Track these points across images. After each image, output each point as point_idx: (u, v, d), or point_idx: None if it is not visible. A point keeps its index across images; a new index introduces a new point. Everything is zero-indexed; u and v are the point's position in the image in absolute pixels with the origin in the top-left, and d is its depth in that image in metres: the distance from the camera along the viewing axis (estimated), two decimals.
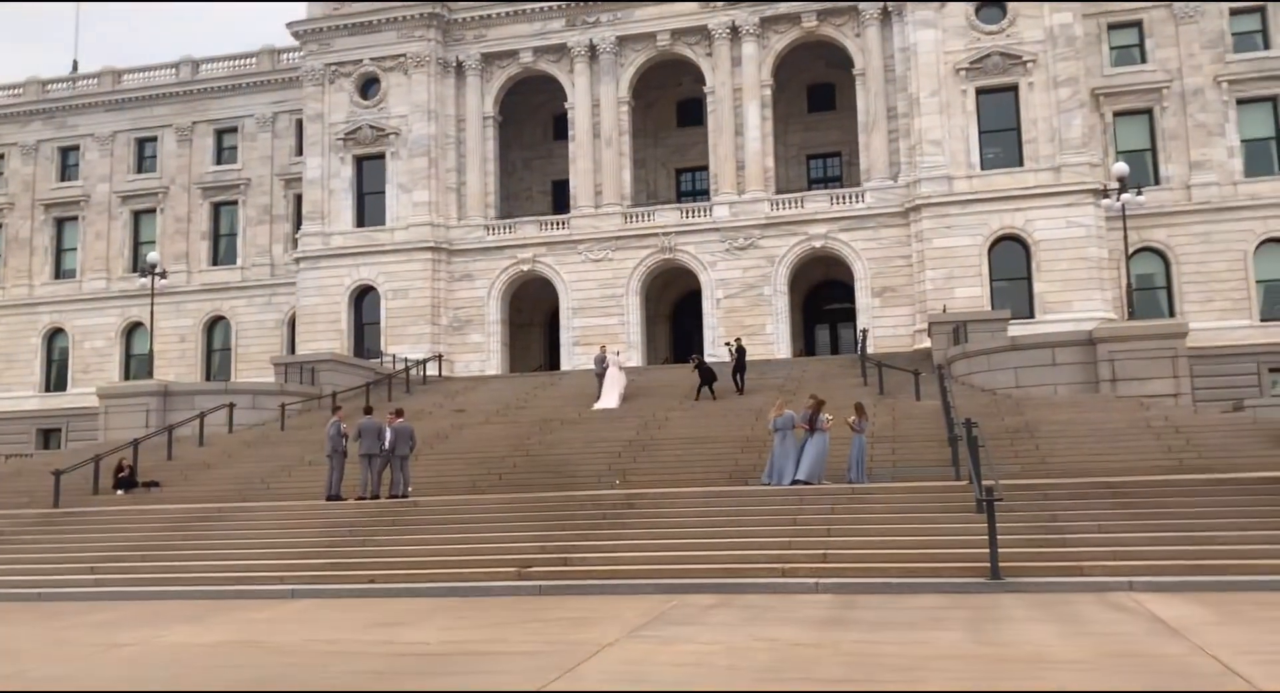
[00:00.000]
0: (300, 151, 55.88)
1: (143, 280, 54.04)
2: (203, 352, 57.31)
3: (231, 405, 35.00)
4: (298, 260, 52.01)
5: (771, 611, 12.26)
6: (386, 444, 22.44)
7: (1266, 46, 45.79)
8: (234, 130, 59.15)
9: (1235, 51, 46.00)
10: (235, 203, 58.45)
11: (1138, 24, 47.22)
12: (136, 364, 58.22)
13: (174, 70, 60.73)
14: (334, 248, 51.34)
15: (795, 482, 21.16)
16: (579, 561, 15.60)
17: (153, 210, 59.73)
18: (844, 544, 15.78)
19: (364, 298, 51.30)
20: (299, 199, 55.82)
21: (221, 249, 58.83)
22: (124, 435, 34.46)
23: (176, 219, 58.83)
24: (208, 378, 56.00)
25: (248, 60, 60.03)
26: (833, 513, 17.51)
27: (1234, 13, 46.27)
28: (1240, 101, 45.57)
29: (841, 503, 18.10)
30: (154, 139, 60.34)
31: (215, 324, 57.71)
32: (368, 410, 23.82)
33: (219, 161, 59.19)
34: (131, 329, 58.74)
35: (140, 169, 60.52)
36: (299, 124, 56.27)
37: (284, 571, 16.04)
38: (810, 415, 21.77)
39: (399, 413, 23.46)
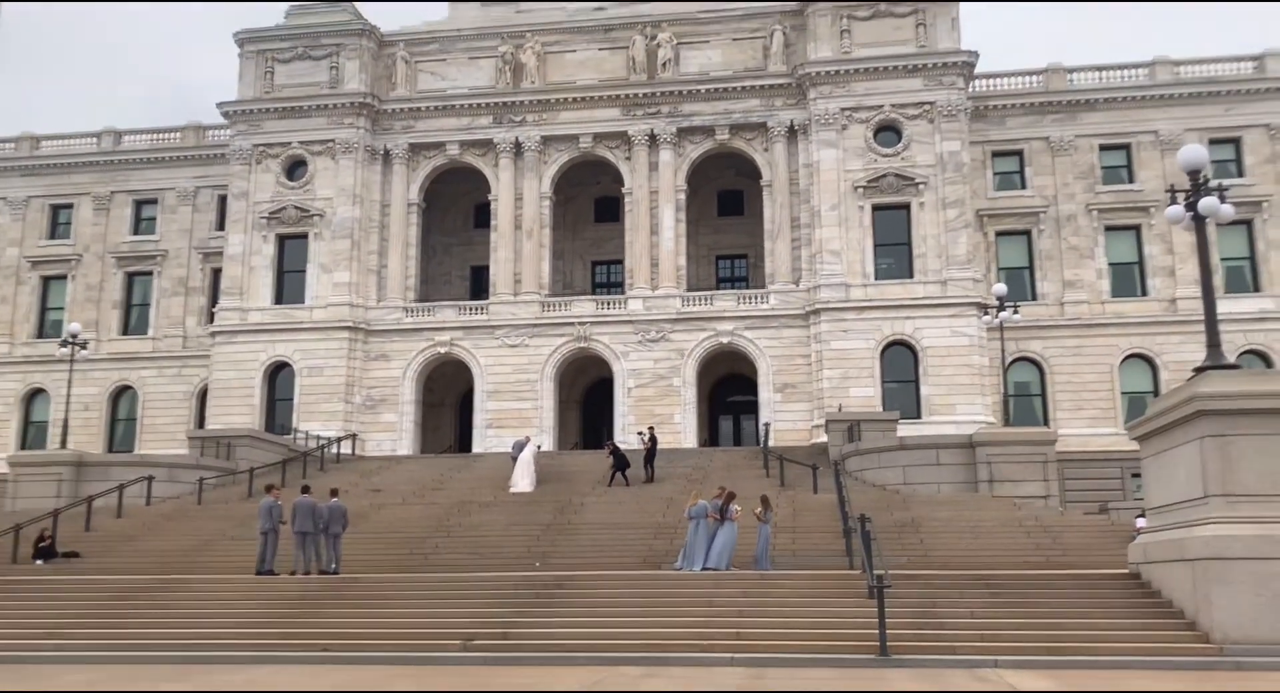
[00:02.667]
0: (221, 226, 56.73)
1: (47, 347, 53.97)
2: (107, 421, 56.85)
3: (150, 478, 35.39)
4: (213, 334, 52.51)
5: (696, 680, 14.04)
6: (321, 523, 23.63)
7: (1131, 180, 50.77)
8: (154, 202, 59.66)
9: (1104, 183, 50.93)
10: (150, 274, 58.66)
11: (1019, 153, 51.90)
12: (35, 432, 57.46)
13: (95, 140, 61.13)
14: (251, 323, 52.05)
15: (705, 568, 23.05)
16: (519, 635, 17.14)
17: (64, 277, 59.49)
18: (754, 624, 17.69)
19: (278, 374, 51.95)
20: (216, 273, 56.48)
21: (133, 319, 58.82)
22: (33, 505, 34.62)
23: (88, 287, 58.72)
24: (110, 448, 55.54)
25: (173, 134, 60.83)
26: (744, 596, 19.41)
27: (1103, 148, 51.27)
28: (1108, 228, 50.32)
29: (751, 588, 20.02)
30: (70, 206, 60.39)
31: (121, 394, 57.39)
32: (305, 490, 24.94)
33: (136, 232, 59.51)
34: (32, 396, 58.01)
35: (54, 235, 60.42)
36: (221, 199, 57.19)
37: (242, 638, 17.12)
38: (721, 506, 23.79)
39: (333, 492, 24.69)
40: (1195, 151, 18.18)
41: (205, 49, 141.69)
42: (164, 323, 57.60)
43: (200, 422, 53.79)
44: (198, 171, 59.06)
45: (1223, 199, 18.41)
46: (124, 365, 57.08)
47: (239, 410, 50.59)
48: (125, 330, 58.43)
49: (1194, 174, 18.33)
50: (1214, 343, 17.78)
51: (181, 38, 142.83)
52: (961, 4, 50.06)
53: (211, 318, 54.08)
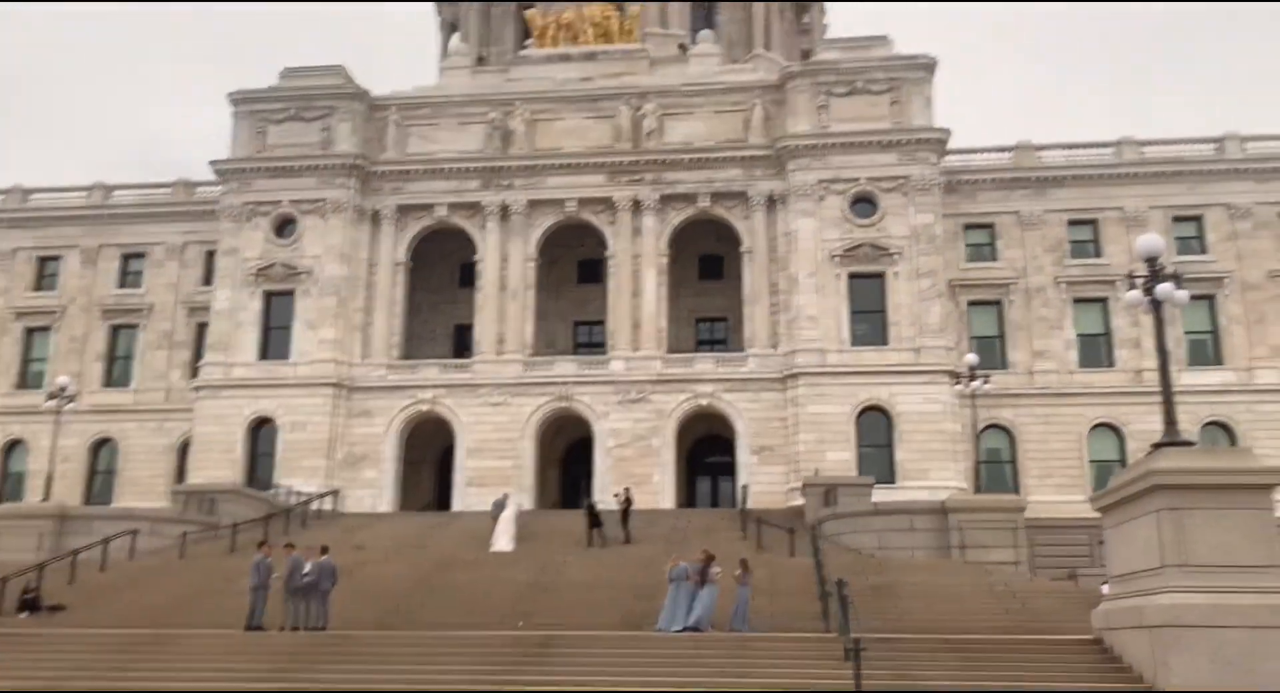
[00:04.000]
0: (208, 281, 57.46)
1: (28, 398, 54.23)
2: (85, 473, 56.92)
3: (135, 532, 35.70)
4: (197, 388, 52.95)
5: None
6: (311, 579, 24.17)
7: (1099, 254, 52.60)
8: (141, 256, 60.43)
9: (1072, 256, 52.73)
10: (135, 327, 59.22)
11: (990, 226, 53.71)
12: (12, 483, 57.40)
13: (86, 193, 62.00)
14: (235, 378, 52.55)
15: (685, 628, 23.71)
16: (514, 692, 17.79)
17: (48, 328, 59.94)
18: (735, 685, 18.39)
19: (261, 429, 52.33)
20: (201, 327, 57.08)
21: (116, 371, 59.21)
22: (15, 557, 34.76)
23: (72, 339, 59.14)
24: (88, 500, 55.55)
25: (163, 190, 61.81)
26: (724, 657, 20.10)
27: (1071, 222, 53.17)
28: (1076, 300, 52.03)
29: (731, 649, 20.71)
30: (57, 258, 61.08)
31: (102, 446, 57.55)
32: (290, 547, 25.47)
33: (123, 285, 60.16)
34: (11, 447, 58.05)
35: (39, 287, 60.97)
36: (209, 255, 57.95)
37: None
38: (702, 568, 24.52)
39: (323, 550, 25.25)
40: (1152, 240, 19.44)
41: (171, 104, 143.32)
42: (147, 376, 58.00)
43: (180, 476, 53.97)
44: (187, 227, 59.96)
45: (1179, 284, 19.60)
46: (105, 418, 57.28)
47: (220, 465, 50.88)
48: (108, 383, 58.76)
49: (1151, 261, 19.57)
50: (1170, 420, 18.87)
51: (153, 95, 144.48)
52: (934, 82, 52.00)
53: (195, 372, 54.57)
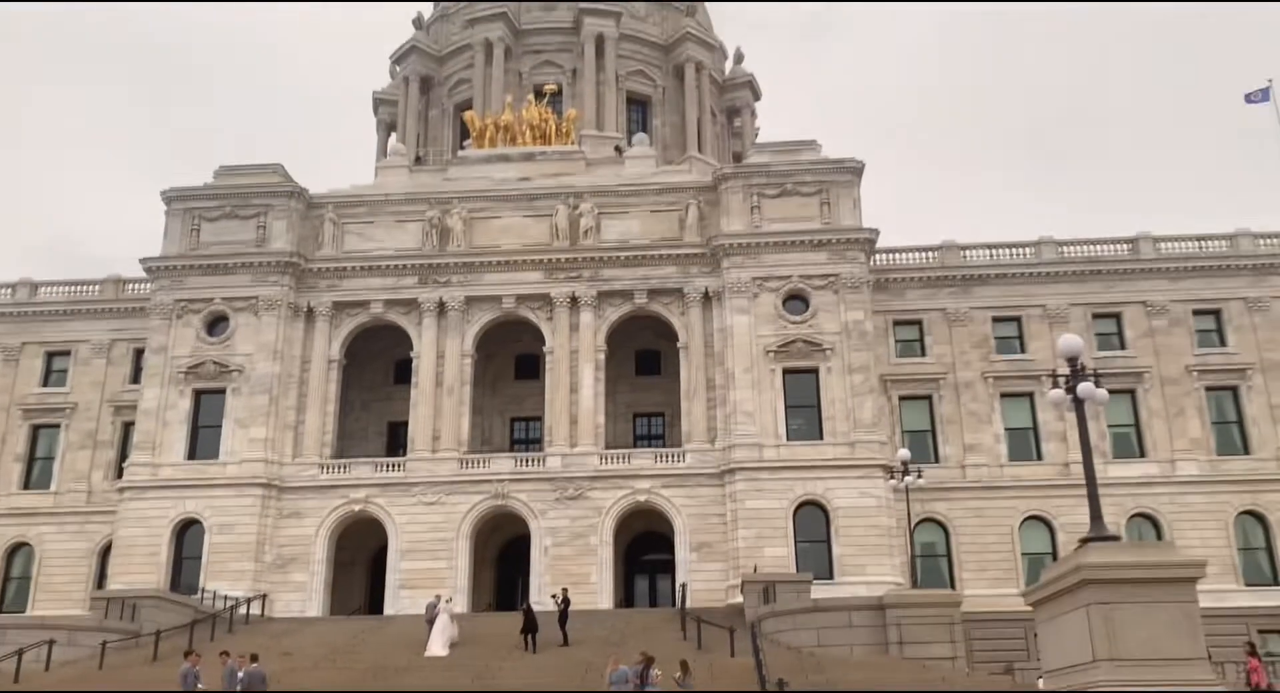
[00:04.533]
0: (136, 380, 56.33)
1: None
2: None
3: (51, 642, 34.23)
4: (122, 490, 51.42)
5: None
6: (241, 689, 23.36)
7: (1023, 350, 54.06)
8: (67, 354, 59.06)
9: (998, 352, 54.13)
10: (58, 426, 57.59)
11: (919, 322, 55.05)
12: None
13: (10, 290, 60.71)
14: (162, 479, 51.19)
15: None
16: None
17: None
18: None
19: (187, 531, 50.84)
20: (128, 427, 55.71)
21: (35, 473, 57.31)
22: None
23: None
24: (1, 609, 53.17)
25: (91, 288, 60.74)
26: None
27: (996, 319, 54.73)
28: (1004, 395, 53.23)
29: None
30: None
31: (17, 551, 55.35)
32: (225, 654, 24.64)
33: (46, 384, 58.65)
34: None
35: None
36: (138, 353, 56.95)
37: None
38: (642, 671, 24.22)
39: (253, 658, 24.46)
40: (1072, 341, 20.16)
41: (95, 200, 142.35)
42: (68, 477, 56.23)
43: (101, 581, 52.05)
44: (115, 324, 58.90)
45: (1098, 383, 20.28)
46: (22, 521, 55.25)
47: (144, 569, 49.20)
48: (26, 485, 56.81)
49: (1072, 360, 20.26)
50: (1096, 515, 19.31)
51: (77, 190, 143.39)
52: (861, 185, 53.77)
53: (120, 473, 53.08)
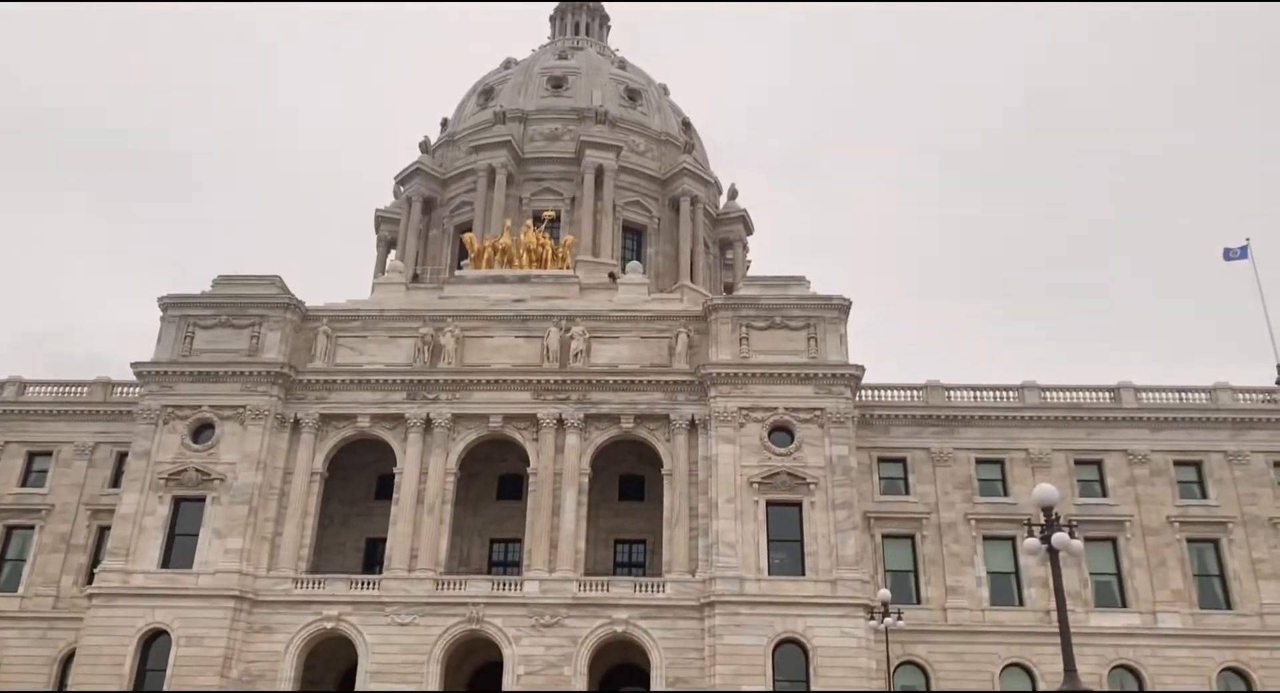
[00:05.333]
0: (116, 483, 55.95)
1: None
2: None
3: None
4: (91, 596, 50.43)
5: None
6: None
7: (1006, 493, 54.16)
8: (48, 454, 58.71)
9: (981, 494, 54.23)
10: (32, 528, 56.81)
11: (903, 460, 55.28)
12: None
13: None
14: (133, 587, 50.29)
15: None
16: None
17: None
18: None
19: (154, 642, 49.68)
20: (104, 531, 55.11)
21: (4, 574, 56.26)
22: None
23: None
24: None
25: (80, 389, 60.73)
26: None
27: (980, 461, 55.01)
28: (986, 538, 53.08)
29: None
30: None
31: None
32: None
33: (25, 484, 58.10)
34: None
35: None
36: (121, 456, 56.70)
37: None
38: None
39: None
40: (1047, 491, 20.48)
41: (84, 300, 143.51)
42: (37, 581, 55.20)
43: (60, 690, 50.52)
44: (100, 427, 58.76)
45: (1074, 534, 20.51)
46: None
47: (106, 681, 47.89)
48: None
49: (1047, 510, 20.54)
50: (1070, 668, 19.32)
51: (65, 290, 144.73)
52: (848, 323, 54.77)
53: (91, 578, 52.17)
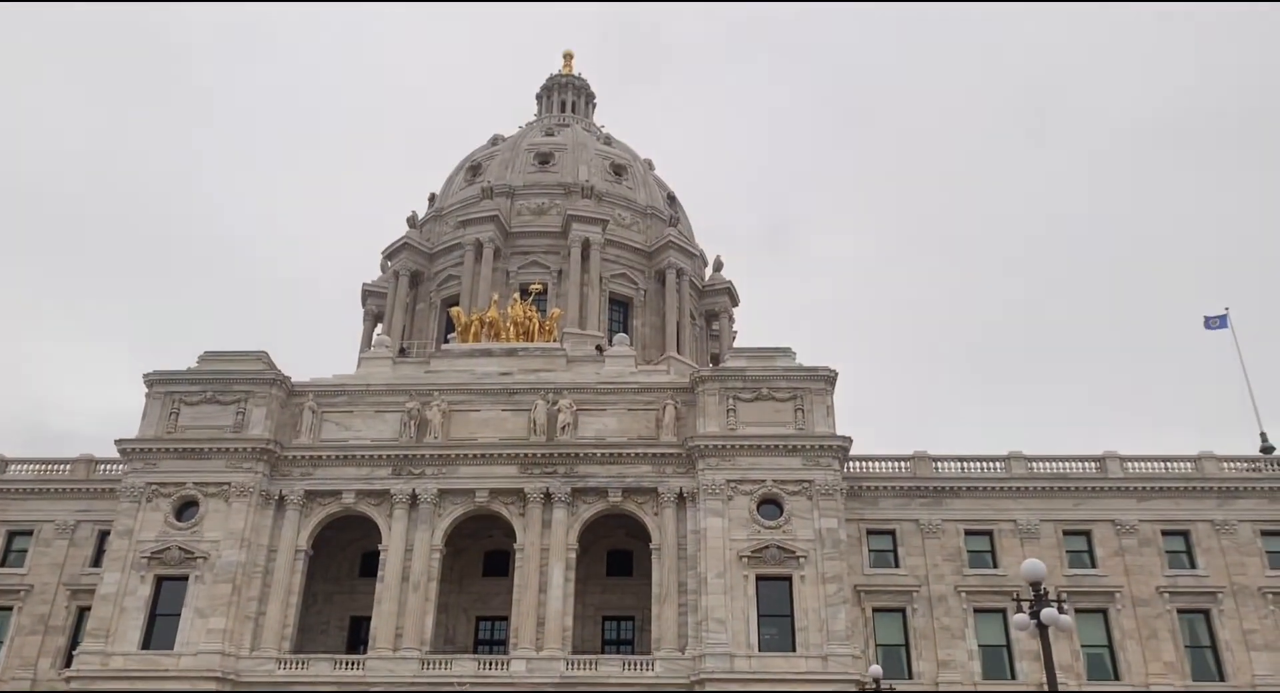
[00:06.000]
0: (97, 563, 55.24)
1: None
2: None
3: None
4: (69, 679, 49.37)
5: None
6: None
7: (995, 565, 53.91)
8: (28, 533, 57.99)
9: (971, 566, 53.97)
10: (10, 609, 55.84)
11: (892, 532, 55.04)
12: None
13: None
14: (113, 670, 49.30)
15: None
16: None
17: None
18: None
19: None
20: (83, 611, 54.31)
21: None
22: None
23: None
24: None
25: (62, 467, 60.18)
26: None
27: (968, 533, 54.83)
28: (977, 610, 52.63)
29: None
30: None
31: None
32: None
33: (4, 563, 57.31)
34: None
35: None
36: (103, 535, 56.06)
37: None
38: None
39: None
40: (1035, 567, 20.50)
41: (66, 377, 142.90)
42: (14, 664, 54.12)
43: None
44: (82, 505, 58.21)
45: (1062, 609, 20.47)
46: None
47: None
48: None
49: (1035, 585, 20.53)
50: None
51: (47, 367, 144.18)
52: (835, 394, 54.96)
53: (70, 661, 51.15)
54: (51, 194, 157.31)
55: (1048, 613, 20.06)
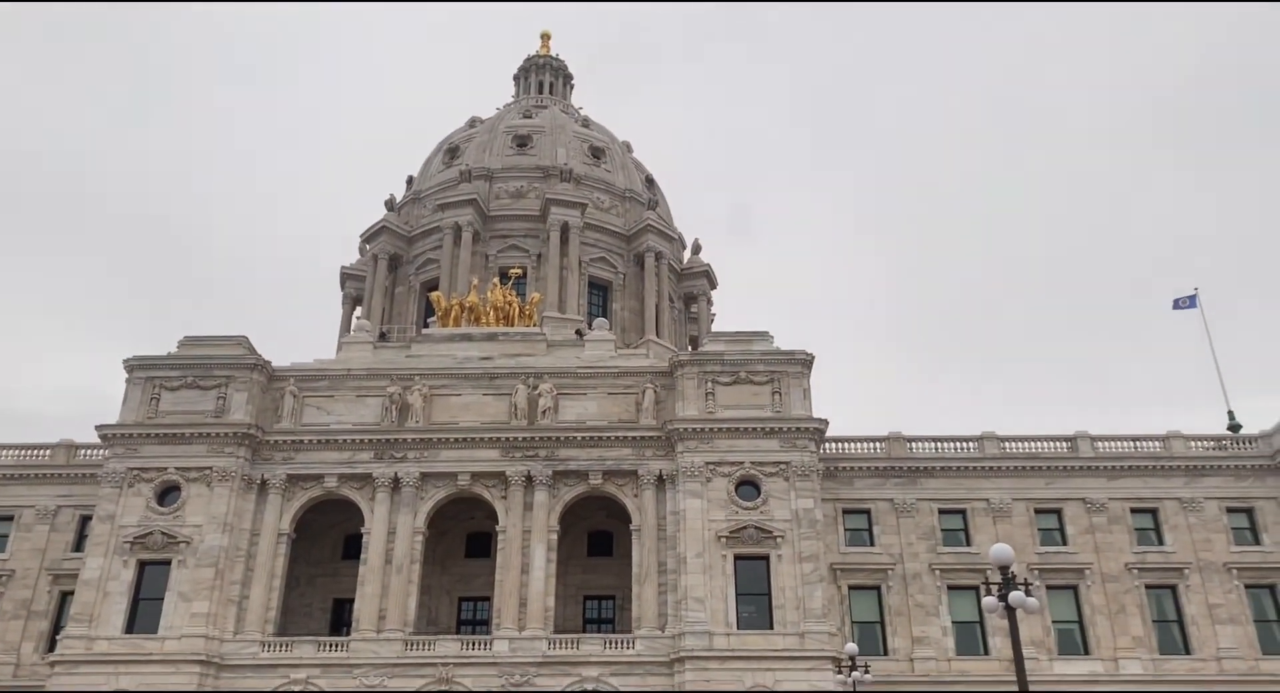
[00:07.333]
0: (79, 547, 55.47)
1: None
2: None
3: None
4: (53, 664, 49.70)
5: None
6: None
7: (969, 543, 54.98)
8: (9, 519, 58.06)
9: (945, 544, 55.01)
10: None
11: (867, 511, 56.00)
12: None
13: None
14: (97, 653, 49.66)
15: None
16: None
17: None
18: None
19: None
20: (65, 596, 54.54)
21: None
22: None
23: None
24: None
25: (42, 452, 60.22)
26: None
27: (942, 511, 55.86)
28: (950, 588, 53.73)
29: None
30: None
31: None
32: None
33: None
34: None
35: None
36: (84, 520, 56.29)
37: None
38: None
39: None
40: (1003, 550, 21.26)
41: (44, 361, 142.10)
42: None
43: None
44: (62, 490, 58.32)
45: (1029, 592, 21.26)
46: None
47: None
48: None
49: (1004, 569, 21.30)
50: None
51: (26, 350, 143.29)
52: (811, 376, 55.71)
53: (53, 645, 51.48)
54: (11, 173, 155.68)
55: (1015, 596, 20.84)
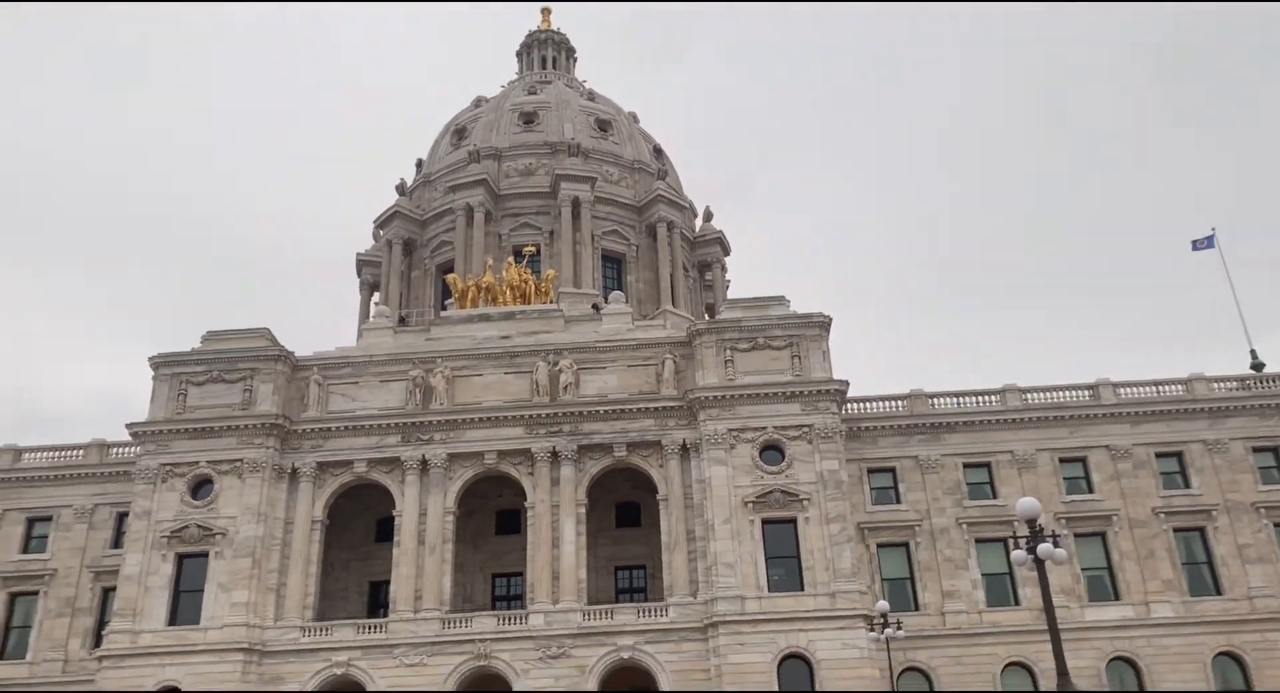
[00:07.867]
0: (118, 544, 56.41)
1: None
2: None
3: None
4: (100, 658, 50.83)
5: None
6: None
7: (995, 496, 55.25)
8: (48, 519, 59.13)
9: (971, 498, 55.30)
10: (36, 593, 57.18)
11: (892, 470, 56.31)
12: None
13: None
14: (142, 646, 50.73)
15: None
16: None
17: None
18: None
19: None
20: (108, 592, 55.56)
21: (11, 642, 56.56)
22: None
23: None
24: None
25: (75, 452, 61.19)
26: None
27: (967, 466, 56.12)
28: (978, 541, 54.08)
29: None
30: None
31: None
32: None
33: (26, 550, 58.51)
34: None
35: None
36: (121, 517, 57.19)
37: None
38: None
39: None
40: (1030, 504, 21.52)
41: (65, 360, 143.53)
42: (45, 646, 55.56)
43: None
44: (97, 489, 59.27)
45: (1056, 543, 21.53)
46: None
47: None
48: (1, 655, 55.93)
49: (1031, 522, 21.56)
50: (1063, 671, 20.31)
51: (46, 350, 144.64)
52: (830, 337, 55.86)
53: (99, 641, 52.56)
54: (29, 174, 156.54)
55: (1044, 548, 21.11)
